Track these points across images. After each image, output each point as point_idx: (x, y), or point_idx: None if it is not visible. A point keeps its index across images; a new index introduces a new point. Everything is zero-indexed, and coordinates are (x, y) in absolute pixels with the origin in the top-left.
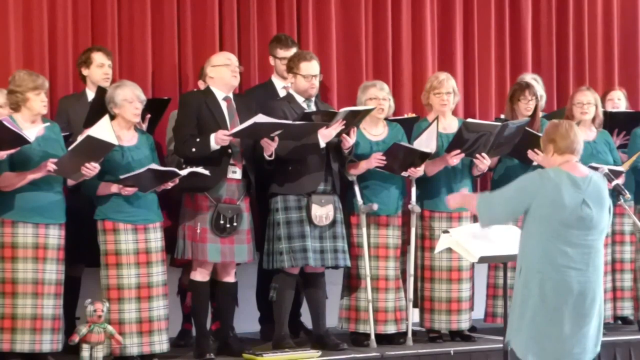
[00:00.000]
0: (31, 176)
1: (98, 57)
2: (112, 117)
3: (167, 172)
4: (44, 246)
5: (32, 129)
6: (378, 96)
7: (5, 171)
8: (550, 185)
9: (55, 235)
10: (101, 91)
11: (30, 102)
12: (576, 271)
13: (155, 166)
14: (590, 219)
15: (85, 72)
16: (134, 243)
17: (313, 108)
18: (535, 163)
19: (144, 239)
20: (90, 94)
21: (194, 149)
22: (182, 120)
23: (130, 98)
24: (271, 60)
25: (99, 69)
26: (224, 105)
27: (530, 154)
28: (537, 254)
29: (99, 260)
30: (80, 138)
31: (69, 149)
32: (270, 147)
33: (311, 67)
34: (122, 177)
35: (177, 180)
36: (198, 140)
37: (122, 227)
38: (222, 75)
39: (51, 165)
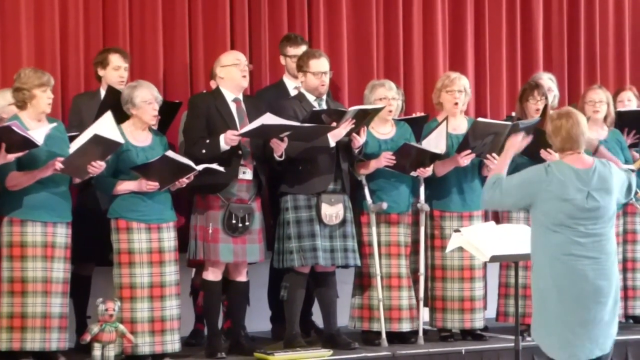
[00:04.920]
0: (38, 175)
1: (115, 60)
2: (126, 118)
3: (183, 165)
4: (52, 244)
5: (40, 130)
6: (387, 96)
7: (12, 170)
8: (555, 180)
9: (62, 234)
10: (111, 91)
11: (37, 100)
12: (589, 260)
13: (171, 154)
14: (597, 209)
15: (101, 72)
16: (147, 242)
17: (324, 107)
18: (545, 163)
19: (157, 238)
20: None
21: (204, 151)
22: (191, 122)
23: (149, 100)
24: (282, 60)
25: (115, 71)
26: (233, 107)
27: (543, 153)
28: (549, 247)
29: (109, 259)
30: (85, 136)
31: (75, 148)
32: (280, 148)
33: (320, 64)
34: (137, 165)
35: (192, 177)
36: (208, 141)
37: (135, 226)
38: (232, 75)
39: (58, 165)
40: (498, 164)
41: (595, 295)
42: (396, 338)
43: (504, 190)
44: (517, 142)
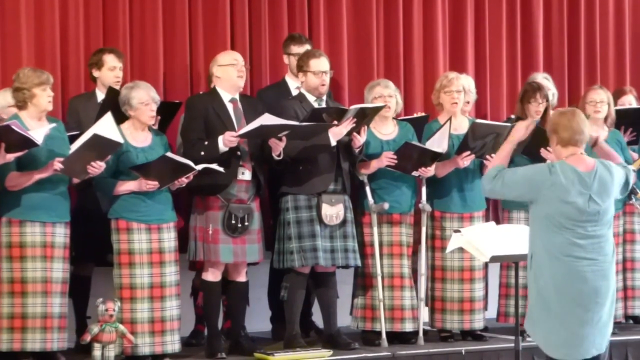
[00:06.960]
0: (38, 176)
1: (110, 60)
2: (126, 118)
3: (183, 164)
4: (52, 245)
5: (39, 130)
6: (383, 94)
7: (12, 171)
8: (557, 182)
9: (61, 234)
10: (111, 92)
11: (37, 98)
12: (589, 261)
13: (170, 155)
14: (597, 212)
15: (96, 73)
16: (147, 242)
17: (324, 106)
18: (548, 162)
19: (157, 239)
20: (100, 95)
21: (202, 152)
22: (189, 124)
23: (146, 100)
24: (285, 59)
25: (110, 72)
26: (230, 107)
27: (543, 152)
28: (549, 246)
29: (108, 259)
30: (85, 136)
31: (75, 148)
32: (278, 147)
33: (320, 64)
34: (137, 165)
35: (191, 177)
36: (206, 143)
37: (135, 226)
38: (229, 75)
39: (57, 165)
40: (500, 154)
41: (593, 296)
42: (396, 338)
43: (507, 183)
44: (523, 128)
